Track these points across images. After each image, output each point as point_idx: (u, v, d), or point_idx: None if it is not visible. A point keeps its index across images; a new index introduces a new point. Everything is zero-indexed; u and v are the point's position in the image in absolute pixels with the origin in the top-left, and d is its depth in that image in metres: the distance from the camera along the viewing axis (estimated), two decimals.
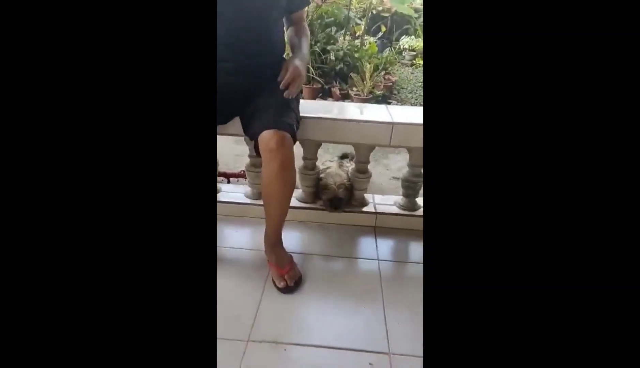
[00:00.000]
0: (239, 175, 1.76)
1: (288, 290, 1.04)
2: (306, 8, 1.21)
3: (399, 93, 3.67)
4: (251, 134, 0.99)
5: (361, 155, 1.31)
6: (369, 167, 1.34)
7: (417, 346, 0.89)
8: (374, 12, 4.25)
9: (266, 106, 0.99)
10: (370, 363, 0.86)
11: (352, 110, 1.29)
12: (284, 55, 1.16)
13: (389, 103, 3.40)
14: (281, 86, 0.97)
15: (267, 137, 0.92)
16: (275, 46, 1.10)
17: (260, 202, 1.36)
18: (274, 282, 1.06)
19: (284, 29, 1.16)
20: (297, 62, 1.01)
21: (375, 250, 1.25)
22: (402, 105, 3.39)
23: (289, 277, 1.05)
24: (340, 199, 1.30)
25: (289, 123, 0.96)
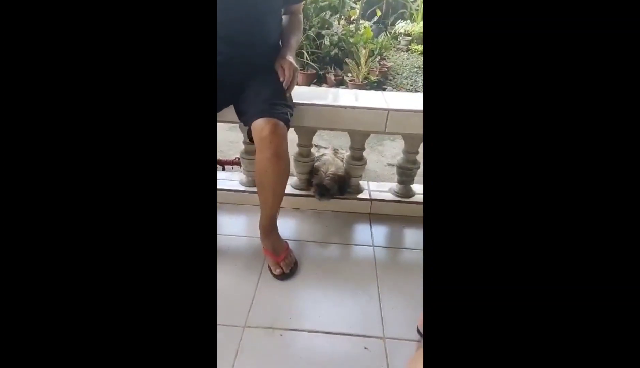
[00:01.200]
0: (234, 163, 1.74)
1: (284, 276, 1.05)
2: (303, 2, 1.19)
3: (394, 79, 3.64)
4: (244, 121, 0.99)
5: (356, 142, 1.30)
6: (364, 153, 1.34)
7: (411, 330, 0.91)
8: None
9: (259, 94, 0.98)
10: (365, 348, 0.88)
11: (347, 97, 1.28)
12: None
13: (385, 89, 3.37)
14: (284, 85, 1.01)
15: (260, 125, 0.91)
16: (270, 36, 1.08)
17: (255, 189, 1.36)
18: (270, 269, 1.07)
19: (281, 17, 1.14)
20: (291, 58, 1.04)
21: (371, 237, 1.26)
22: (397, 91, 3.36)
23: (285, 264, 1.06)
24: (325, 188, 1.29)
25: (282, 111, 0.96)
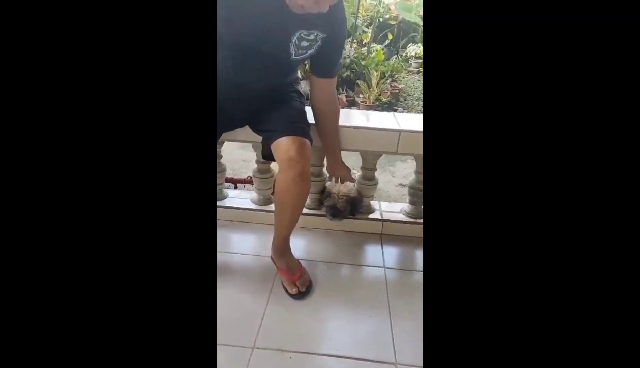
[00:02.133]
0: (246, 181, 1.77)
1: (300, 296, 1.04)
2: (336, 78, 1.05)
3: (405, 100, 3.68)
4: (265, 137, 0.97)
5: (368, 162, 1.31)
6: (376, 174, 1.34)
7: None
8: (381, 20, 4.28)
9: (281, 112, 0.97)
10: None
11: (359, 117, 1.29)
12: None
13: (396, 110, 3.40)
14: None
15: (286, 144, 0.89)
16: (283, 81, 1.05)
17: (267, 208, 1.37)
18: (285, 289, 1.05)
19: (307, 85, 1.12)
20: (342, 163, 1.13)
21: (382, 258, 1.24)
22: (408, 112, 3.39)
23: (300, 283, 1.05)
24: (339, 210, 1.29)
25: (306, 129, 0.96)
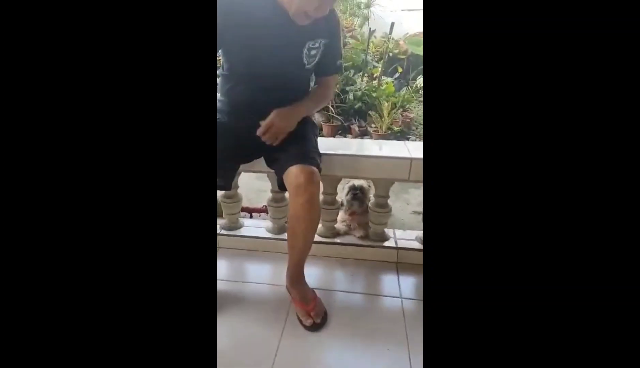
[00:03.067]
0: (261, 210, 1.80)
1: (315, 327, 1.02)
2: (335, 75, 1.14)
3: (417, 129, 3.72)
4: (278, 168, 1.01)
5: (380, 190, 1.32)
6: (390, 201, 1.35)
7: None
8: (390, 55, 4.44)
9: (291, 142, 1.01)
10: None
11: (371, 147, 1.32)
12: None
13: (408, 139, 3.44)
14: (258, 132, 0.98)
15: (295, 172, 0.93)
16: (300, 95, 1.10)
17: (282, 236, 1.38)
18: (299, 320, 1.04)
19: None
20: (279, 115, 0.98)
21: (398, 287, 1.21)
22: (420, 140, 3.42)
23: (315, 314, 1.03)
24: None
25: (316, 158, 0.99)
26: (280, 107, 1.00)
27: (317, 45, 1.01)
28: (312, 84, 1.17)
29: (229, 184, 1.11)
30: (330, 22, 1.01)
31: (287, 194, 1.36)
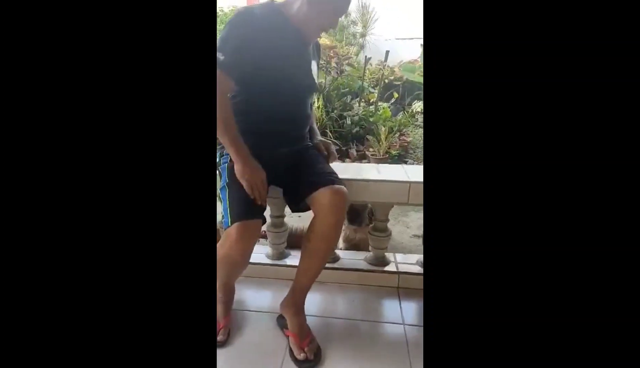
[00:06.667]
0: (260, 236, 1.78)
1: (308, 364, 0.97)
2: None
3: (414, 152, 3.76)
4: (307, 188, 0.99)
5: (380, 214, 1.32)
6: (389, 225, 1.34)
7: None
8: (386, 81, 4.57)
9: (314, 166, 1.04)
10: None
11: (370, 171, 1.34)
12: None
13: (406, 162, 3.47)
14: (331, 161, 1.13)
15: (331, 193, 0.94)
16: (309, 113, 1.15)
17: (281, 262, 1.36)
18: (291, 353, 1.00)
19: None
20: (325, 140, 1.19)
21: (400, 314, 1.18)
22: (418, 164, 3.45)
23: (309, 350, 0.99)
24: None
25: (341, 181, 1.01)
26: (295, 125, 1.08)
27: (314, 64, 1.10)
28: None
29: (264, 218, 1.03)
30: (317, 45, 1.14)
31: (286, 219, 1.36)
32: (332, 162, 1.14)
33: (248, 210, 0.90)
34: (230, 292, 1.13)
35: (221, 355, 1.00)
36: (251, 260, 1.36)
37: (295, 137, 1.10)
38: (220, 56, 0.91)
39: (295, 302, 1.06)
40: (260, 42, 0.93)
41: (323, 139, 1.18)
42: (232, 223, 0.90)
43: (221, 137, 0.94)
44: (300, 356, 0.98)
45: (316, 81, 1.11)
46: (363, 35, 5.48)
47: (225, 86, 0.93)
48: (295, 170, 1.05)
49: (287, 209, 1.18)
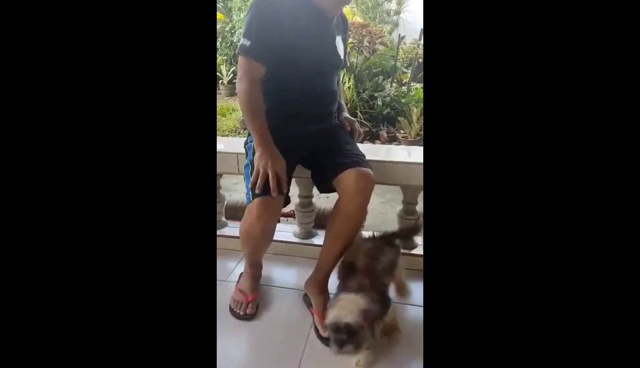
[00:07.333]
0: (289, 215, 1.81)
1: None
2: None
3: None
4: (332, 170, 0.99)
5: (409, 197, 1.29)
6: (417, 208, 1.31)
7: None
8: (420, 61, 4.38)
9: (341, 147, 1.04)
10: None
11: (400, 153, 1.30)
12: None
13: None
14: (357, 138, 1.14)
15: (355, 175, 0.94)
16: (336, 90, 1.13)
17: (308, 241, 1.38)
18: (316, 330, 1.02)
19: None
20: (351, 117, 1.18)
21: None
22: None
23: None
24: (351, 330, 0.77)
25: (368, 163, 1.00)
26: (321, 102, 1.07)
27: (340, 40, 1.07)
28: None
29: (287, 198, 1.03)
30: (343, 19, 1.11)
31: (314, 200, 1.37)
32: (357, 140, 1.12)
33: (268, 187, 0.92)
34: (257, 268, 1.17)
35: (249, 328, 1.05)
36: (279, 238, 1.40)
37: (322, 114, 1.09)
38: (246, 42, 0.93)
39: (318, 281, 1.08)
40: (283, 21, 0.93)
41: (348, 116, 1.16)
42: (253, 200, 0.93)
43: (248, 123, 0.96)
44: (325, 334, 0.99)
45: (342, 56, 1.09)
46: (397, 13, 5.24)
47: (254, 71, 0.95)
48: (323, 150, 1.05)
49: (316, 190, 1.18)
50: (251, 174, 0.95)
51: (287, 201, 1.03)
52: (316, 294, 1.08)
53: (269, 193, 0.90)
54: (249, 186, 0.95)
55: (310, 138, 1.06)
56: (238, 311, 1.08)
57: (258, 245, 1.05)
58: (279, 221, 1.80)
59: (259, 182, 0.91)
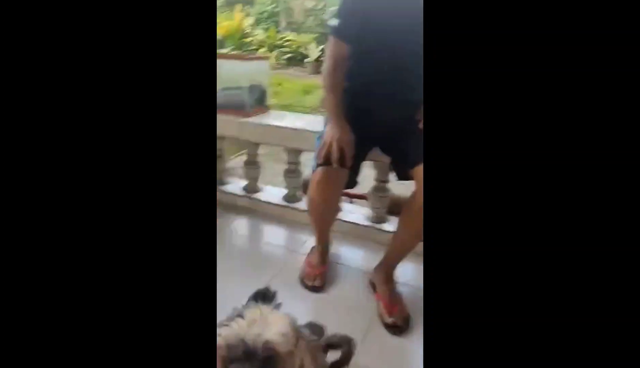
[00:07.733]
0: (361, 197, 1.81)
1: (396, 330, 0.98)
2: None
3: None
4: (411, 161, 0.98)
5: None
6: None
7: None
8: None
9: (422, 138, 1.00)
10: None
11: None
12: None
13: None
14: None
15: None
16: (421, 83, 1.06)
17: (379, 226, 1.37)
18: (381, 317, 1.02)
19: None
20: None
21: None
22: None
23: (398, 316, 0.99)
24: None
25: None
26: (403, 87, 1.02)
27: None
28: None
29: (354, 178, 1.04)
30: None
31: (389, 185, 1.34)
32: None
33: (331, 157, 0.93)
34: (325, 243, 1.20)
35: (316, 300, 1.10)
36: (350, 220, 1.42)
37: (404, 100, 1.04)
38: (335, 22, 0.95)
39: (385, 269, 1.07)
40: (372, 6, 0.94)
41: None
42: (317, 168, 0.96)
43: (325, 97, 1.00)
44: (388, 320, 1.00)
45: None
46: None
47: (338, 50, 0.97)
48: (404, 137, 1.02)
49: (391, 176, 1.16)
50: (319, 143, 0.99)
51: (353, 183, 1.04)
52: (382, 282, 1.07)
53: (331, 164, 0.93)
54: (315, 156, 0.98)
55: (390, 122, 1.04)
56: (307, 282, 1.14)
57: (320, 215, 1.08)
58: (351, 202, 1.83)
59: (323, 152, 0.93)
